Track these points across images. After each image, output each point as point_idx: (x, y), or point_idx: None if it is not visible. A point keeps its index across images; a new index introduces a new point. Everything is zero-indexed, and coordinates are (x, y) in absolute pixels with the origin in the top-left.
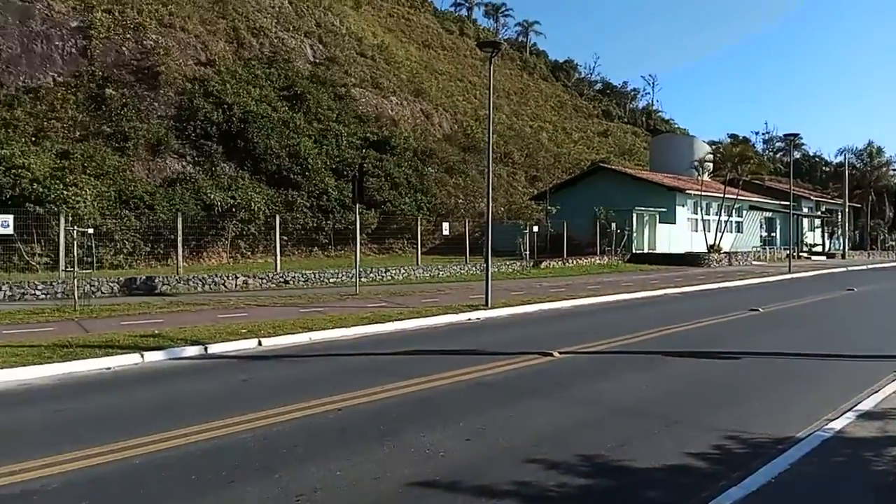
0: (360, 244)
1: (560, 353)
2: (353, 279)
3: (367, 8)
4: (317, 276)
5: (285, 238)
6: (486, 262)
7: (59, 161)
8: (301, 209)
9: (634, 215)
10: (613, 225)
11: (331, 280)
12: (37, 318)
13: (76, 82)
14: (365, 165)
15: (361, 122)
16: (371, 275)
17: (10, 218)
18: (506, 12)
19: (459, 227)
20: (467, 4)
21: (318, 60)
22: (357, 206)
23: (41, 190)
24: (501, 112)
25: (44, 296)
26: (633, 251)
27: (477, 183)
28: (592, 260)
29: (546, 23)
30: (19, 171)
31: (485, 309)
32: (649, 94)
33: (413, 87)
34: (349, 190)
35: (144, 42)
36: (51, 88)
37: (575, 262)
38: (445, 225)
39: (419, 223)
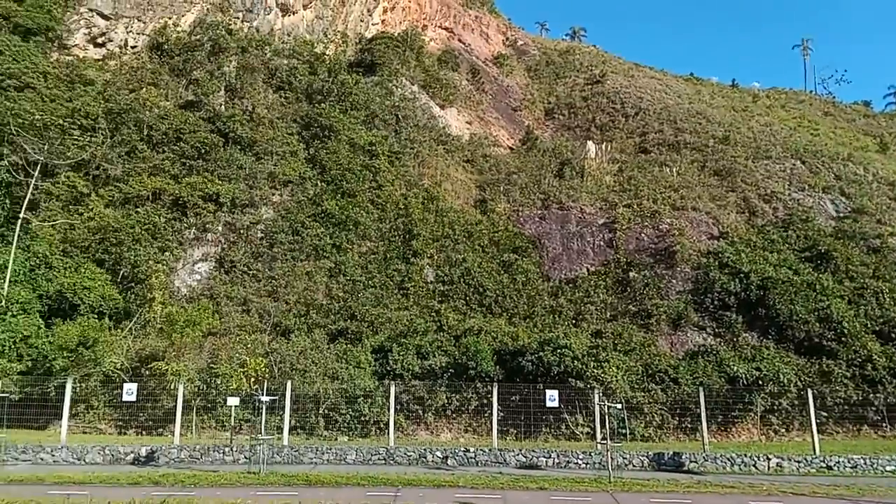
0: None
1: None
2: None
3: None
4: (868, 462)
5: (824, 414)
6: None
7: (593, 340)
8: (840, 380)
9: None
10: None
11: (887, 468)
12: (577, 486)
13: (605, 270)
14: None
15: None
16: None
17: (555, 392)
18: None
19: None
20: None
21: (842, 214)
22: None
23: (580, 366)
24: None
25: (584, 465)
26: None
27: None
28: None
29: None
30: (563, 350)
31: None
32: None
33: None
34: None
35: (660, 226)
36: (585, 277)
37: None
38: None
39: None
